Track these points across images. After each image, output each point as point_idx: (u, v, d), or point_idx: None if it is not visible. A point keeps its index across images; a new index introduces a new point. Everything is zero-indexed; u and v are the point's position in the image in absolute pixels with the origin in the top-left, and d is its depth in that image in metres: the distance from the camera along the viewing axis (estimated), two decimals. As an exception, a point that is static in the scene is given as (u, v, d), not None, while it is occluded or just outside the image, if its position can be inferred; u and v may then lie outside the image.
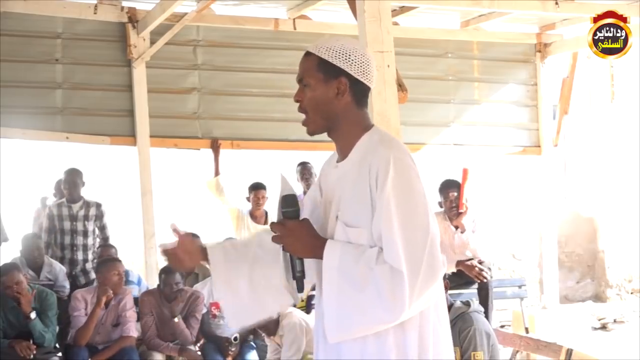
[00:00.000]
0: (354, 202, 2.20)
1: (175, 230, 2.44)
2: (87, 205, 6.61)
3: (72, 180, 6.58)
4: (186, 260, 2.41)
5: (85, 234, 6.57)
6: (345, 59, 2.25)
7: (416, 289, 2.07)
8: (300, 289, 2.28)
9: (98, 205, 6.66)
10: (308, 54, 2.30)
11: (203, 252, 2.43)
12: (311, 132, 2.33)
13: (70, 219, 6.52)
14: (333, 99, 2.26)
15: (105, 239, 6.70)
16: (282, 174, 2.33)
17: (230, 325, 2.49)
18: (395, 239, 2.09)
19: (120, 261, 5.92)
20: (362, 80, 2.27)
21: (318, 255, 2.19)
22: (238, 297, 2.41)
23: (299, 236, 2.21)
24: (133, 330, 5.72)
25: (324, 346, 2.27)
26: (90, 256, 6.61)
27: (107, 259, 5.99)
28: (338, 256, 2.15)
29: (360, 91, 2.29)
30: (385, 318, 2.09)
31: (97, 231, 6.71)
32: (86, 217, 6.57)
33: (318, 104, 2.27)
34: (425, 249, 2.10)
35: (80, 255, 6.55)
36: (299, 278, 2.25)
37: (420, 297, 2.08)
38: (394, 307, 2.07)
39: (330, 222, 2.28)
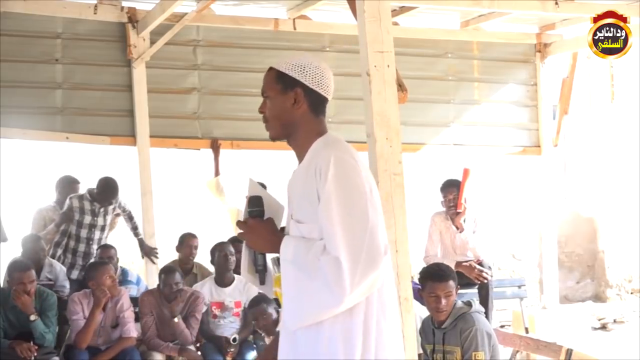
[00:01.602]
0: (304, 201, 2.38)
1: None
2: None
3: (110, 192, 6.54)
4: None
5: (103, 229, 6.65)
6: (300, 71, 2.45)
7: (357, 276, 2.23)
8: (262, 281, 2.53)
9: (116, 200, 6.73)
10: (270, 69, 2.52)
11: None
12: (272, 138, 2.55)
13: (92, 214, 6.55)
14: (291, 108, 2.47)
15: (134, 226, 6.98)
16: (250, 177, 2.57)
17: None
18: (335, 229, 2.26)
19: (109, 264, 5.91)
20: (316, 90, 2.47)
21: (276, 250, 2.40)
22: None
23: (259, 233, 2.45)
24: (133, 330, 5.71)
25: (285, 334, 2.44)
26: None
27: (97, 262, 5.98)
28: (291, 250, 2.35)
29: (315, 100, 2.48)
30: (331, 304, 2.25)
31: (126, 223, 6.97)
32: (106, 212, 6.63)
33: (278, 113, 2.48)
34: (364, 237, 2.27)
35: (93, 250, 6.58)
36: (260, 271, 2.52)
37: (361, 284, 2.24)
38: (337, 293, 2.23)
39: (287, 221, 2.49)
